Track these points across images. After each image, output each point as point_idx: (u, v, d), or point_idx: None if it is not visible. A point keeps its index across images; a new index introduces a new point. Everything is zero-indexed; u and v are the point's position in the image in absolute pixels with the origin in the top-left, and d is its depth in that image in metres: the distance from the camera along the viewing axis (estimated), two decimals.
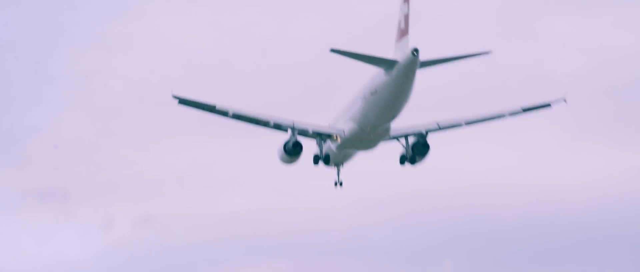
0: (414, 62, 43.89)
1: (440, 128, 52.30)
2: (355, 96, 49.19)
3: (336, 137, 50.68)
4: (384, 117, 47.03)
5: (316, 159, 52.89)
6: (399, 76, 43.66)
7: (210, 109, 50.27)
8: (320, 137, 51.30)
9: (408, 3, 44.95)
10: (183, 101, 51.20)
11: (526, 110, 54.27)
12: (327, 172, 51.36)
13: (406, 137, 51.75)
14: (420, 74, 45.13)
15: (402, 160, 52.06)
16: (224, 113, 51.10)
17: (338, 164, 53.81)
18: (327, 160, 52.95)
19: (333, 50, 46.25)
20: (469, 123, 52.70)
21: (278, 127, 51.25)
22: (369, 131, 48.10)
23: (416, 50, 43.92)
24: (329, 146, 51.98)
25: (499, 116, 53.29)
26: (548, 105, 55.86)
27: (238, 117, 50.49)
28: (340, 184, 53.96)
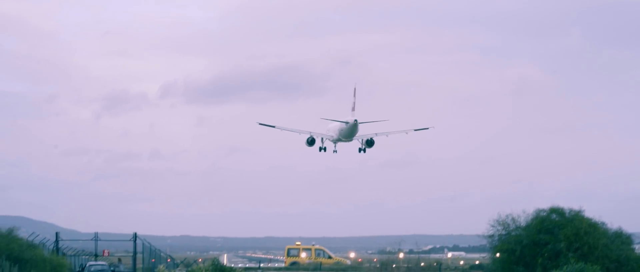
0: (356, 123, 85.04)
1: (376, 135, 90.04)
2: (336, 125, 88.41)
3: (330, 138, 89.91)
4: (347, 137, 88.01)
5: (320, 149, 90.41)
6: (350, 127, 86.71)
7: (272, 126, 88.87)
8: (322, 137, 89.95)
9: (355, 97, 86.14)
10: (261, 124, 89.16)
11: (416, 130, 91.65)
12: (328, 152, 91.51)
13: (362, 139, 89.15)
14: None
15: (359, 150, 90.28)
16: (277, 127, 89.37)
17: (335, 143, 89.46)
18: (325, 149, 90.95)
19: (322, 118, 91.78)
20: (388, 134, 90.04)
21: (304, 133, 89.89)
22: (343, 139, 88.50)
23: (356, 120, 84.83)
24: (328, 139, 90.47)
25: (404, 131, 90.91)
26: (427, 128, 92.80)
27: (282, 128, 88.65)
28: (335, 151, 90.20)
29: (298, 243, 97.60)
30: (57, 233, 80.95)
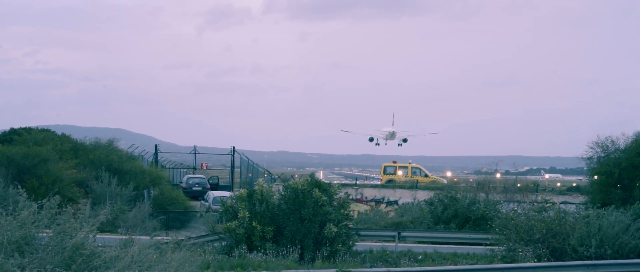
0: (394, 132, 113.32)
1: (409, 136, 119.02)
2: (384, 132, 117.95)
3: (382, 138, 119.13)
4: (390, 139, 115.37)
5: (375, 144, 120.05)
6: (391, 133, 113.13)
7: (348, 131, 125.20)
8: (376, 137, 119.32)
9: (394, 118, 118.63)
10: (343, 130, 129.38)
11: (430, 134, 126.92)
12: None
13: (400, 138, 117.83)
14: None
15: (398, 145, 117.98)
16: (351, 133, 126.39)
17: (385, 140, 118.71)
18: (379, 144, 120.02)
19: (376, 129, 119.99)
20: (415, 135, 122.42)
21: (367, 135, 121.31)
22: (389, 139, 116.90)
23: (394, 130, 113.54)
24: (381, 138, 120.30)
25: (423, 134, 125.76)
26: (436, 133, 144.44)
27: (354, 133, 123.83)
28: (386, 144, 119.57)
29: (394, 161, 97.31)
30: (156, 146, 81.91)
